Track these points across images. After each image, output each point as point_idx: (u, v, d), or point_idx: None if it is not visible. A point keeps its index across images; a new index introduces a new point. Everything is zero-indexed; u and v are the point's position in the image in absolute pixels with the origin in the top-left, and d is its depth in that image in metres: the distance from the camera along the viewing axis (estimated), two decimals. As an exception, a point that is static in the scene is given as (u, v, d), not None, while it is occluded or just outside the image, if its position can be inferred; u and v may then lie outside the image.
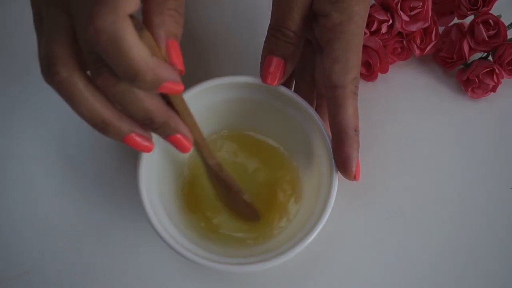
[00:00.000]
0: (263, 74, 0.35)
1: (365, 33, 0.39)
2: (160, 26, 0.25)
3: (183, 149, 0.30)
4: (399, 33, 0.42)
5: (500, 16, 0.41)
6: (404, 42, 0.42)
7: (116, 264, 0.38)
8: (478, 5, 0.41)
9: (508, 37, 0.41)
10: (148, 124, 0.28)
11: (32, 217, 0.40)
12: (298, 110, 0.36)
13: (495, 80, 0.41)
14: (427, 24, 0.41)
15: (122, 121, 0.27)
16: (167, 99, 0.28)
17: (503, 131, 0.43)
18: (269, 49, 0.34)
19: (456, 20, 0.43)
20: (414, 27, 0.41)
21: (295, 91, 0.38)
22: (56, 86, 0.26)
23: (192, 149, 0.31)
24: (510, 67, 0.41)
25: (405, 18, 0.41)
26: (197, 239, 0.35)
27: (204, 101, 0.36)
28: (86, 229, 0.39)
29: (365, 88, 0.43)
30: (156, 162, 0.36)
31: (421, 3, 0.40)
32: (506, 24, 0.41)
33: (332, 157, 0.34)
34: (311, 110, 0.35)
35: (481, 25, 0.41)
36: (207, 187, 0.37)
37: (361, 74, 0.43)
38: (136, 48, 0.23)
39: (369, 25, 0.41)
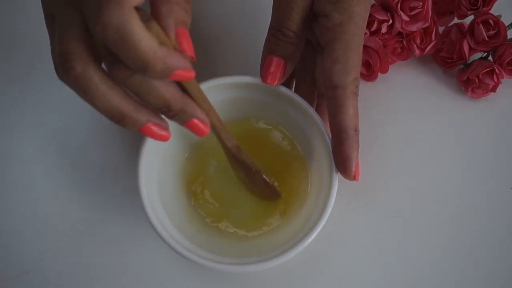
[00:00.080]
0: (263, 74, 0.35)
1: (365, 33, 0.39)
2: (168, 15, 0.25)
3: (200, 133, 0.31)
4: (399, 33, 0.42)
5: (500, 16, 0.41)
6: (404, 42, 0.42)
7: (116, 264, 0.38)
8: (478, 5, 0.41)
9: (508, 37, 0.41)
10: (165, 111, 0.28)
11: (32, 217, 0.40)
12: (298, 110, 0.36)
13: (495, 80, 0.41)
14: (427, 24, 0.41)
15: (138, 111, 0.28)
16: (181, 86, 0.28)
17: (503, 131, 0.43)
18: (269, 49, 0.34)
19: (456, 20, 0.43)
20: (414, 27, 0.41)
21: (295, 91, 0.38)
22: (71, 81, 0.26)
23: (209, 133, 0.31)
24: (510, 67, 0.41)
25: (405, 18, 0.41)
26: (197, 238, 0.35)
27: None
28: (86, 229, 0.39)
29: (365, 88, 0.43)
30: (156, 162, 0.36)
31: (421, 3, 0.40)
32: (506, 24, 0.41)
33: (332, 157, 0.34)
34: (311, 110, 0.35)
35: (481, 25, 0.41)
36: (208, 183, 0.38)
37: (361, 74, 0.43)
38: (144, 39, 0.24)
39: (369, 25, 0.41)
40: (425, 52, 0.43)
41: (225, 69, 0.44)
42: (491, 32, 0.41)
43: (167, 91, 0.27)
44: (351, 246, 0.39)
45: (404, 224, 0.40)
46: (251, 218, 0.38)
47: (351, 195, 0.40)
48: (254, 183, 0.37)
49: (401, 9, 0.40)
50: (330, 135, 0.34)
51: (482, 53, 0.43)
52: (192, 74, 0.27)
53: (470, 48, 0.42)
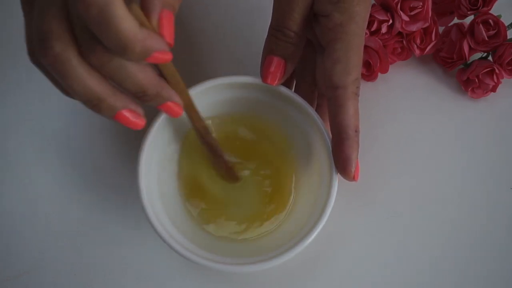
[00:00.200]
0: (264, 74, 0.35)
1: (365, 33, 0.39)
2: None
3: (174, 115, 0.31)
4: (399, 33, 0.42)
5: (500, 16, 0.41)
6: (404, 42, 0.42)
7: (116, 264, 0.38)
8: (478, 5, 0.41)
9: (508, 37, 0.41)
10: (141, 96, 0.28)
11: (32, 217, 0.40)
12: (298, 110, 0.36)
13: (495, 80, 0.41)
14: (427, 24, 0.41)
15: (115, 96, 0.28)
16: (157, 68, 0.29)
17: (503, 131, 0.43)
18: (270, 49, 0.34)
19: (456, 20, 0.43)
20: (414, 27, 0.41)
21: (295, 91, 0.38)
22: (49, 61, 0.25)
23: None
24: (510, 67, 0.41)
25: (405, 18, 0.41)
26: (197, 238, 0.35)
27: (205, 101, 0.36)
28: (86, 229, 0.39)
29: (365, 88, 0.43)
30: (156, 162, 0.36)
31: (421, 3, 0.40)
32: (506, 24, 0.41)
33: (331, 157, 0.34)
34: (311, 110, 0.35)
35: (481, 25, 0.41)
36: (207, 182, 0.38)
37: (361, 74, 0.43)
38: (125, 21, 0.23)
39: (369, 25, 0.41)
40: (425, 52, 0.43)
41: (225, 69, 0.44)
42: (491, 32, 0.41)
43: (144, 76, 0.27)
44: (351, 246, 0.39)
45: (404, 224, 0.40)
46: (248, 220, 0.38)
47: (351, 195, 0.40)
48: (217, 165, 0.38)
49: (401, 9, 0.40)
50: (330, 135, 0.34)
51: (482, 53, 0.43)
52: (169, 56, 0.26)
53: (470, 48, 0.42)
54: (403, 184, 0.41)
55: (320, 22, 0.34)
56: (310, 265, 0.38)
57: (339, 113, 0.33)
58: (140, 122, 0.30)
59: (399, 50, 0.43)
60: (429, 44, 0.42)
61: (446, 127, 0.43)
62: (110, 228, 0.39)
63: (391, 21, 0.41)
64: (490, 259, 0.39)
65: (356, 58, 0.33)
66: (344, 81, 0.33)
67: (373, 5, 0.41)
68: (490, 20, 0.41)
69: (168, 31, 0.26)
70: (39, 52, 0.25)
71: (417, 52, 0.43)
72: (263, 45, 0.35)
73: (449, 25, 0.44)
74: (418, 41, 0.42)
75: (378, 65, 0.42)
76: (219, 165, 0.38)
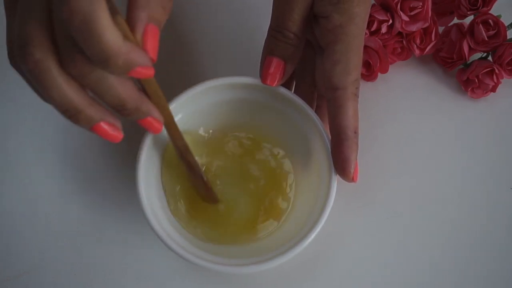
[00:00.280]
0: (263, 75, 0.35)
1: (365, 33, 0.39)
2: (143, 8, 0.25)
3: (154, 131, 0.31)
4: (399, 33, 0.42)
5: (500, 16, 0.41)
6: (404, 42, 0.42)
7: (116, 264, 0.39)
8: (478, 5, 0.41)
9: (508, 37, 0.41)
10: (119, 110, 0.28)
11: (32, 217, 0.40)
12: (298, 111, 0.36)
13: (495, 80, 0.41)
14: (427, 24, 0.41)
15: (93, 108, 0.27)
16: (139, 83, 0.28)
17: (503, 131, 0.43)
18: (269, 50, 0.34)
19: (456, 20, 0.43)
20: (414, 27, 0.41)
21: (295, 92, 0.38)
22: (28, 67, 0.25)
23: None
24: (510, 67, 0.41)
25: (405, 18, 0.41)
26: (196, 239, 0.35)
27: (204, 101, 0.37)
28: (86, 229, 0.39)
29: (365, 88, 0.43)
30: (156, 163, 0.36)
31: (421, 3, 0.40)
32: (506, 24, 0.41)
33: (331, 158, 0.34)
34: (310, 111, 0.35)
35: (481, 25, 0.41)
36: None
37: (361, 74, 0.43)
38: (109, 31, 0.23)
39: (369, 25, 0.41)
40: (425, 52, 0.42)
41: (224, 70, 0.44)
42: (491, 32, 0.41)
43: (124, 90, 0.27)
44: (351, 247, 0.39)
45: (404, 224, 0.40)
46: (244, 227, 0.38)
47: (351, 195, 0.40)
48: (196, 184, 0.37)
49: (401, 9, 0.40)
50: (329, 136, 0.34)
51: (482, 53, 0.43)
52: (151, 72, 0.26)
53: (470, 48, 0.42)
54: (403, 184, 0.41)
55: (320, 23, 0.33)
56: (310, 265, 0.38)
57: (339, 114, 0.33)
58: (118, 134, 0.29)
59: (399, 50, 0.43)
60: (429, 44, 0.42)
61: (446, 127, 0.43)
62: (110, 228, 0.39)
63: (391, 21, 0.41)
64: (490, 259, 0.39)
65: (355, 59, 0.33)
66: (344, 82, 0.33)
67: (373, 5, 0.41)
68: (490, 20, 0.41)
69: (152, 46, 0.25)
70: (19, 58, 0.25)
71: (417, 52, 0.43)
72: (258, 45, 0.35)
73: (449, 25, 0.44)
74: (418, 41, 0.42)
75: (378, 65, 0.42)
76: (198, 185, 0.37)
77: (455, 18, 0.43)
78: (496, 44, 0.41)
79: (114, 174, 0.41)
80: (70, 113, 0.26)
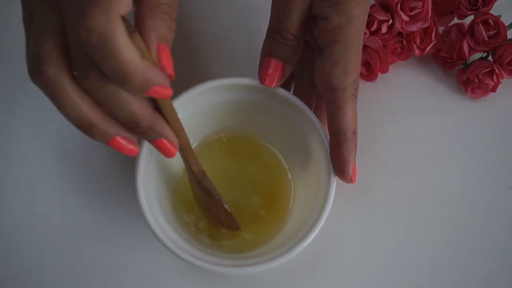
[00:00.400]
0: (262, 76, 0.35)
1: (365, 33, 0.39)
2: (152, 30, 0.25)
3: (167, 154, 0.30)
4: (399, 33, 0.42)
5: (500, 16, 0.41)
6: (404, 42, 0.42)
7: (116, 264, 0.39)
8: (478, 5, 0.41)
9: (508, 37, 0.41)
10: (133, 127, 0.28)
11: (32, 217, 0.40)
12: (297, 112, 0.36)
13: (495, 80, 0.41)
14: (427, 24, 0.41)
15: (108, 123, 0.27)
16: (155, 103, 0.28)
17: (503, 131, 0.43)
18: (268, 51, 0.34)
19: (456, 20, 0.43)
20: (414, 27, 0.41)
21: (294, 93, 0.38)
22: (42, 85, 0.25)
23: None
24: (510, 67, 0.41)
25: (405, 18, 0.41)
26: (195, 240, 0.35)
27: (203, 102, 0.36)
28: (86, 229, 0.39)
29: (365, 88, 0.43)
30: (155, 163, 0.36)
31: (421, 3, 0.40)
32: (506, 24, 0.41)
33: (329, 158, 0.34)
34: (309, 112, 0.35)
35: (481, 25, 0.41)
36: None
37: (361, 74, 0.43)
38: (126, 50, 0.23)
39: (369, 25, 0.41)
40: (425, 52, 0.42)
41: (223, 71, 0.44)
42: (491, 32, 0.41)
43: (138, 107, 0.26)
44: (351, 247, 0.39)
45: (404, 224, 0.40)
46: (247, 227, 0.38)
47: (351, 196, 0.40)
48: (215, 211, 0.36)
49: (401, 9, 0.40)
50: (328, 137, 0.34)
51: (482, 53, 0.43)
52: (169, 92, 0.26)
53: (470, 48, 0.42)
54: (403, 184, 0.41)
55: (319, 25, 0.33)
56: (310, 265, 0.38)
57: (337, 115, 0.33)
58: (134, 148, 0.29)
59: (399, 50, 0.43)
60: (429, 44, 0.42)
61: (446, 127, 0.43)
62: (110, 228, 0.39)
63: (391, 21, 0.41)
64: (490, 259, 0.39)
65: (354, 60, 0.33)
66: (343, 83, 0.33)
67: (373, 5, 0.41)
68: (490, 20, 0.41)
69: (168, 63, 0.26)
70: (33, 75, 0.25)
71: (417, 52, 0.43)
72: (258, 45, 0.35)
73: (449, 25, 0.44)
74: (418, 41, 0.42)
75: (378, 65, 0.42)
76: (217, 210, 0.36)
77: (455, 18, 0.43)
78: (496, 44, 0.41)
79: (114, 173, 0.41)
80: (85, 127, 0.27)
